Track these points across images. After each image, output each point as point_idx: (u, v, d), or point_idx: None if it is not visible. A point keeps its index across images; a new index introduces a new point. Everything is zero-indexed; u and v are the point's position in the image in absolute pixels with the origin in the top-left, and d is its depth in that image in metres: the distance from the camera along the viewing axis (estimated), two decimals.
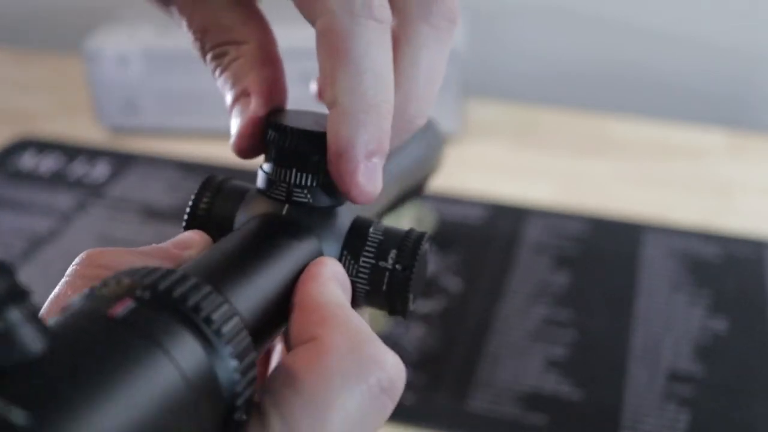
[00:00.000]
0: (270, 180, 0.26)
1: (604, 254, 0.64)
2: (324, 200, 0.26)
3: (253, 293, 0.23)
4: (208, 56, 0.27)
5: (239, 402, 0.19)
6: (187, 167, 0.76)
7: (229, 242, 0.25)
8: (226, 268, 0.23)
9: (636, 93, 0.90)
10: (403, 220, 0.61)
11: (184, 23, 0.27)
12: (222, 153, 0.78)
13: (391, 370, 0.21)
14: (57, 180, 0.75)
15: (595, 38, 0.89)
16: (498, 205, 0.70)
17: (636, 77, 0.90)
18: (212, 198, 0.27)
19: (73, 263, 0.23)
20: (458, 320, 0.58)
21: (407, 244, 0.26)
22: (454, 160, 0.78)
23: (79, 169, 0.77)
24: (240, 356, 0.20)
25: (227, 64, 0.27)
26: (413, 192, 0.37)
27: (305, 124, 0.26)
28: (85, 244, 0.65)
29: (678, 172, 0.76)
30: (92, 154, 0.79)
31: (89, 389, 0.16)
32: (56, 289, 0.23)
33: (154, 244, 0.25)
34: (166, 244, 0.25)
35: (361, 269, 0.26)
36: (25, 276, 0.62)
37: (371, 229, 0.26)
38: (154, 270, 0.20)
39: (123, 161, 0.78)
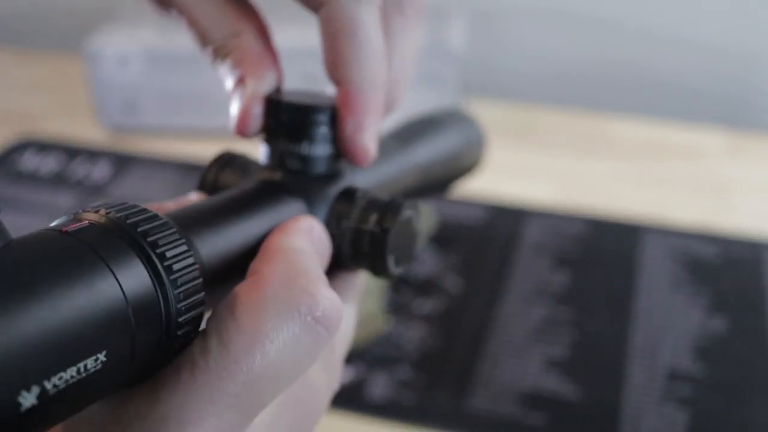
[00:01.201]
0: (267, 152, 0.29)
1: (603, 254, 0.64)
2: (316, 168, 0.28)
3: (220, 237, 0.24)
4: (208, 50, 0.29)
5: (182, 319, 0.21)
6: (187, 167, 0.76)
7: (215, 197, 0.27)
8: (200, 214, 0.25)
9: (636, 93, 0.90)
10: None
11: (184, 23, 0.29)
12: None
13: (323, 301, 0.23)
14: (58, 180, 0.75)
15: (595, 38, 0.89)
16: (498, 206, 0.70)
17: (636, 77, 0.90)
18: (219, 170, 0.30)
19: None
20: (458, 320, 0.58)
21: (388, 209, 0.28)
22: None
23: (79, 169, 0.77)
24: (183, 279, 0.21)
25: (226, 55, 0.29)
26: (442, 185, 0.38)
27: (298, 99, 0.28)
28: None
29: (678, 172, 0.76)
30: (93, 154, 0.79)
31: (25, 284, 0.18)
32: None
33: (157, 202, 0.27)
34: (169, 202, 0.27)
35: (345, 232, 0.28)
36: None
37: (357, 195, 0.29)
38: (120, 203, 0.22)
39: (123, 161, 0.78)
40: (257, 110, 0.28)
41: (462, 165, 0.39)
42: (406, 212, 0.28)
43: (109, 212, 0.21)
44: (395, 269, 0.29)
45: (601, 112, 0.87)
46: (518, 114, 0.86)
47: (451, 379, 0.53)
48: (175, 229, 0.21)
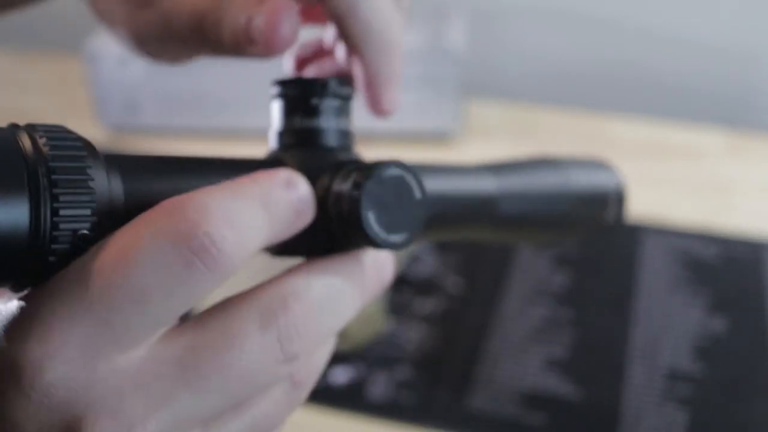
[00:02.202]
0: (274, 136, 0.28)
1: (603, 254, 0.64)
2: (323, 141, 0.27)
3: (156, 179, 0.24)
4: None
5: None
6: None
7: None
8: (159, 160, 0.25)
9: (636, 93, 0.90)
10: None
11: (172, 17, 0.30)
12: (222, 153, 0.78)
13: (211, 233, 0.22)
14: None
15: (595, 38, 0.89)
16: None
17: (636, 77, 0.90)
18: None
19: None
20: (458, 320, 0.58)
21: (369, 167, 0.25)
22: (454, 161, 0.78)
23: None
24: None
25: None
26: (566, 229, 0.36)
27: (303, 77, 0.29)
28: None
29: (678, 172, 0.76)
30: None
31: None
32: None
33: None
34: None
35: (329, 201, 0.25)
36: None
37: (347, 163, 0.26)
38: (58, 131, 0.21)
39: None
40: (285, 20, 0.27)
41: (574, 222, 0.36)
42: (391, 169, 0.25)
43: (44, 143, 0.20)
44: (387, 236, 0.24)
45: (601, 112, 0.87)
46: (518, 114, 0.86)
47: (451, 379, 0.53)
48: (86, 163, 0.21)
